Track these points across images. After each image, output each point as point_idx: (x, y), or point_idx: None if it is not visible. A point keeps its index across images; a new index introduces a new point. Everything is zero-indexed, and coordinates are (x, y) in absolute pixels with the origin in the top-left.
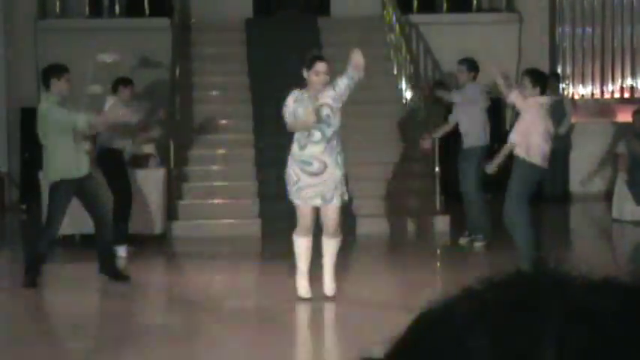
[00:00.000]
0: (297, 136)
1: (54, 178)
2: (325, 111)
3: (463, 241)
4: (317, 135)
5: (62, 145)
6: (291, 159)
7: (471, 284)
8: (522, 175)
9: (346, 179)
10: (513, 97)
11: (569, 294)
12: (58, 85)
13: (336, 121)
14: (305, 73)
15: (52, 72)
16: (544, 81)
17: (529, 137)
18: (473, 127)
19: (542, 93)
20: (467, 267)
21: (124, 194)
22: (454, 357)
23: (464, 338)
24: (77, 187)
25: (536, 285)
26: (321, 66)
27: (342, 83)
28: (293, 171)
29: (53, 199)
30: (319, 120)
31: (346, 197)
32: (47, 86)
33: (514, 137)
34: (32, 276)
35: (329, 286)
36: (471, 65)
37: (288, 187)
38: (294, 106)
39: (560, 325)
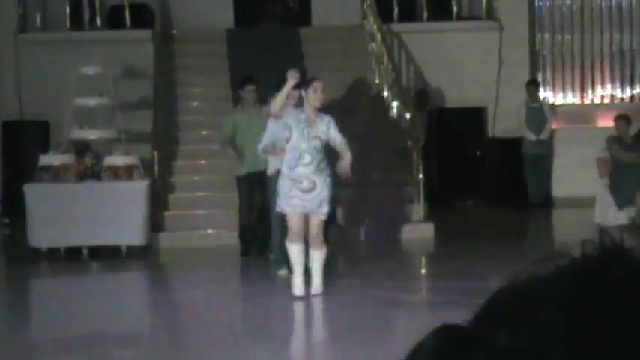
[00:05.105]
0: (286, 158)
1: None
2: (315, 143)
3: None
4: (307, 158)
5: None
6: (282, 176)
7: (544, 256)
8: None
9: (334, 201)
10: (275, 107)
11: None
12: (241, 94)
13: (322, 148)
14: (303, 92)
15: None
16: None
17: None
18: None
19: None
20: (450, 274)
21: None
22: (526, 325)
23: (535, 309)
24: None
25: (605, 259)
26: (317, 84)
27: (335, 139)
28: (284, 183)
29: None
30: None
31: (324, 218)
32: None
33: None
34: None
35: (315, 286)
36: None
37: (279, 198)
38: (282, 123)
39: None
